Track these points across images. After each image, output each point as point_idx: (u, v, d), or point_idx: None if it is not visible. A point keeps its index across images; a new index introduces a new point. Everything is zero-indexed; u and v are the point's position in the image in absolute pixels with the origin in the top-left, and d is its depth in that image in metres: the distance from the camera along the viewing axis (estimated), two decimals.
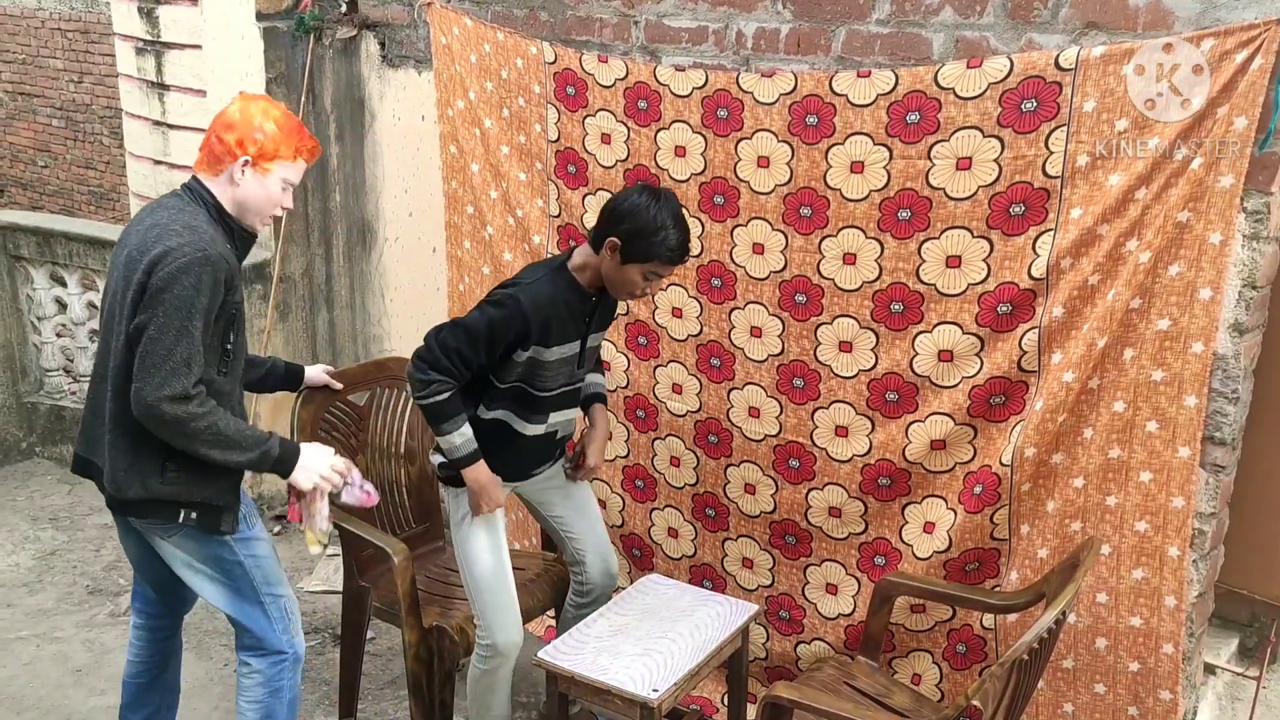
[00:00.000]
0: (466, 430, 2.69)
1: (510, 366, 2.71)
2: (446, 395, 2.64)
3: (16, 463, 5.07)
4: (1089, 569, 2.46)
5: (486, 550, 2.81)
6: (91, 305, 4.93)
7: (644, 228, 2.58)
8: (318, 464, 2.60)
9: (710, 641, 2.80)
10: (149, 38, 4.46)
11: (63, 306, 5.01)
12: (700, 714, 3.29)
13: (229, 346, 2.51)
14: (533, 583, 3.19)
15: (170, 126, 4.52)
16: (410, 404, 3.37)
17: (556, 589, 3.22)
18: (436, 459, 2.87)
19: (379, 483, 3.25)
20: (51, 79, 9.65)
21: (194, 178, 2.55)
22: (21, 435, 5.10)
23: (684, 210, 2.96)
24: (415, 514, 3.45)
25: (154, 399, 2.34)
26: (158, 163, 4.64)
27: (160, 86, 4.48)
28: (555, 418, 2.85)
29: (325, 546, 2.75)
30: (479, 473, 2.72)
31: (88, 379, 2.69)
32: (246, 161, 2.49)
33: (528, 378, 2.74)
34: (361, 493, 2.72)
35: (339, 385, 3.14)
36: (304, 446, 2.60)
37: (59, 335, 5.07)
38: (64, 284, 4.95)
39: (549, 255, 3.46)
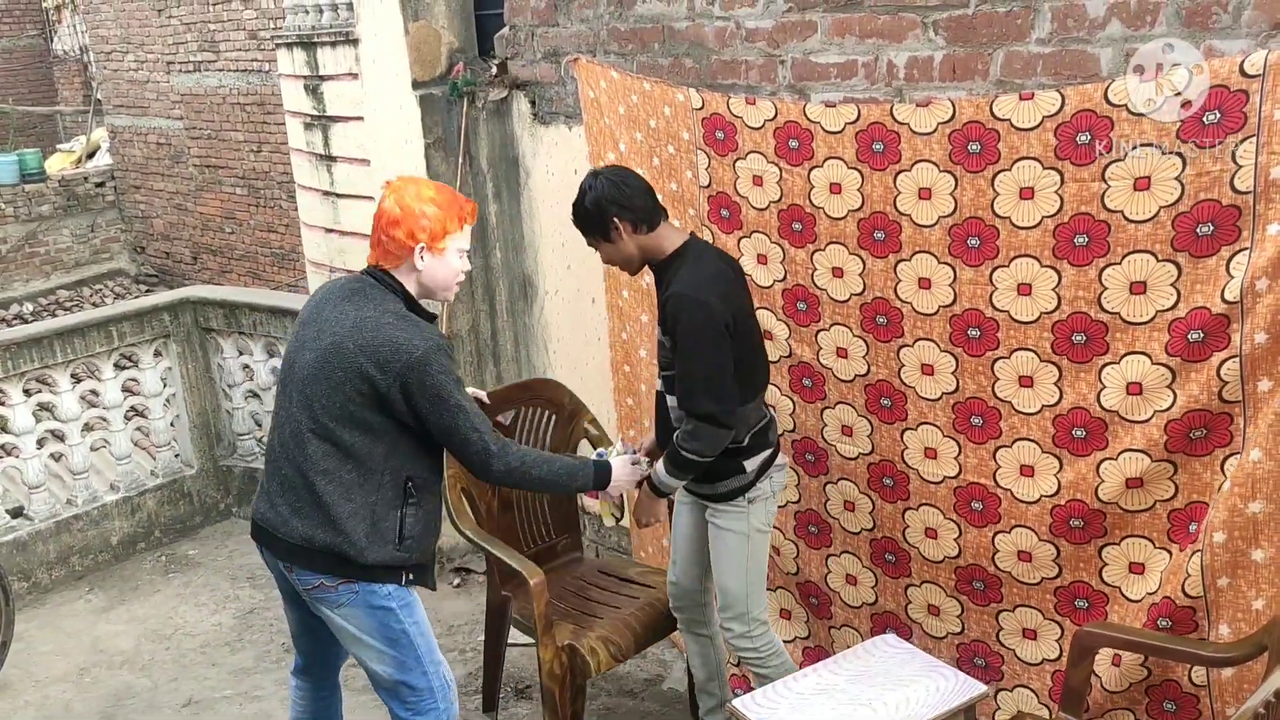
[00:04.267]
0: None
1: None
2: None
3: (216, 523, 5.34)
4: None
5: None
6: (275, 371, 5.16)
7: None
8: (628, 476, 2.89)
9: (916, 718, 2.65)
10: (315, 113, 4.67)
11: (248, 372, 5.27)
12: None
13: None
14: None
15: (339, 196, 4.71)
16: (553, 422, 3.62)
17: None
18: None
19: (520, 497, 3.59)
20: (234, 150, 10.27)
21: (376, 267, 2.63)
22: (219, 497, 5.38)
23: (843, 248, 2.92)
24: (555, 527, 3.70)
25: (500, 467, 2.61)
26: (329, 231, 4.84)
27: (328, 159, 4.68)
28: None
29: (619, 518, 3.07)
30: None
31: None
32: (423, 248, 2.58)
33: None
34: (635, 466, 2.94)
35: (488, 401, 3.25)
36: (614, 464, 2.85)
37: (246, 400, 5.34)
38: (250, 352, 5.21)
39: None
